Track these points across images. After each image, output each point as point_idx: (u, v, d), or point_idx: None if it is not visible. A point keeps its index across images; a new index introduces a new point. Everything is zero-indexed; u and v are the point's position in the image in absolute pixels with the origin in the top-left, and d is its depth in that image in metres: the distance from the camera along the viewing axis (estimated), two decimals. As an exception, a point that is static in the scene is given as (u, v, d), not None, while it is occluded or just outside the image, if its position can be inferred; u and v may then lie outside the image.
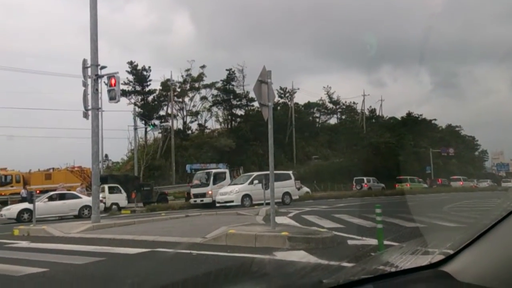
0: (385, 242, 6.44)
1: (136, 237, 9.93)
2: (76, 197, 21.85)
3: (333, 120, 69.68)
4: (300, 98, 78.15)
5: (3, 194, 32.20)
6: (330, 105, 67.85)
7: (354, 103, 69.77)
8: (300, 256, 6.62)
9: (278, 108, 56.68)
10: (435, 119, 67.98)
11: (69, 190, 24.84)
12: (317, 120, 68.21)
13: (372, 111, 72.60)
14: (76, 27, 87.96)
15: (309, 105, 65.67)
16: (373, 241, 7.36)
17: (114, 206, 24.98)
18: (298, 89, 62.27)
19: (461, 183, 48.11)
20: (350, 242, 8.11)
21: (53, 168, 37.39)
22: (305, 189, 35.03)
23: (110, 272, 6.24)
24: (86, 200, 20.73)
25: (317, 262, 5.93)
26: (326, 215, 14.35)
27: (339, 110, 69.31)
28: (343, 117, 69.93)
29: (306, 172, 45.48)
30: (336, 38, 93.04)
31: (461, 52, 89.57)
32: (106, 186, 25.61)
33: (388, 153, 46.81)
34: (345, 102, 68.85)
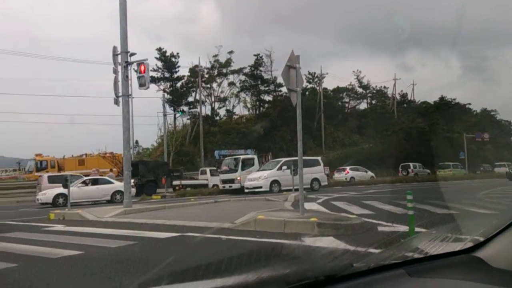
0: (416, 229, 6.34)
1: (166, 222, 10.12)
2: (109, 182, 22.41)
3: (363, 105, 68.51)
4: (329, 83, 77.32)
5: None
6: (360, 90, 66.68)
7: (385, 87, 68.41)
8: (329, 242, 6.59)
9: (307, 93, 56.11)
10: (469, 104, 65.84)
11: (102, 175, 25.50)
12: (347, 105, 67.20)
13: (404, 95, 70.93)
14: (107, 15, 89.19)
15: (338, 90, 64.72)
16: (404, 228, 7.27)
17: (214, 187, 27.59)
18: (327, 73, 61.51)
19: (505, 169, 47.53)
20: (380, 228, 8.02)
21: (85, 154, 38.45)
22: (370, 173, 34.97)
23: (142, 256, 6.39)
24: (118, 185, 21.24)
25: (346, 248, 5.88)
26: (355, 201, 14.22)
27: (369, 95, 68.05)
28: (373, 102, 68.65)
29: (335, 158, 45.09)
30: (363, 22, 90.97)
31: (492, 35, 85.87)
32: (207, 169, 30.11)
33: (420, 139, 45.72)
34: (376, 86, 67.57)
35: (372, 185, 28.77)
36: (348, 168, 34.56)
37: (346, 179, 32.65)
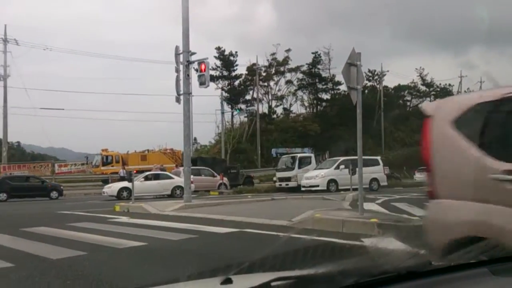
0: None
1: (225, 217, 10.29)
2: (169, 177, 23.17)
3: (425, 104, 65.93)
4: (390, 81, 74.82)
5: (104, 173, 35.16)
6: (423, 88, 64.12)
7: (449, 85, 65.27)
8: (390, 244, 6.38)
9: (366, 91, 54.78)
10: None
11: (164, 171, 26.32)
12: (408, 103, 64.91)
13: (470, 93, 67.37)
14: (167, 18, 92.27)
15: (399, 88, 62.65)
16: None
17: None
18: (388, 71, 59.59)
19: None
20: (444, 232, 7.66)
21: (147, 150, 40.01)
22: None
23: (204, 249, 6.55)
24: (178, 180, 21.90)
25: (409, 250, 5.69)
26: (417, 202, 13.64)
27: (433, 93, 65.24)
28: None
29: (395, 158, 43.72)
30: (423, 19, 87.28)
31: None
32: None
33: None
34: (440, 84, 64.70)
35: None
36: None
37: None
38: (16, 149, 64.40)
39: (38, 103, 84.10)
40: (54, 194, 24.33)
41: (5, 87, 38.68)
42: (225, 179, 27.07)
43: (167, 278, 4.56)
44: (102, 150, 37.63)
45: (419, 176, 33.45)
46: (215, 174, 26.46)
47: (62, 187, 25.70)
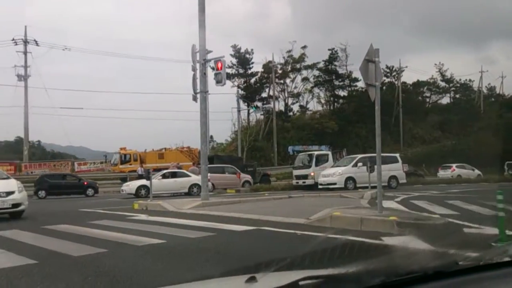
0: (508, 232, 5.88)
1: (242, 215, 10.31)
2: (186, 175, 23.31)
3: (445, 100, 64.87)
4: (408, 77, 74.03)
5: (123, 171, 35.58)
6: (442, 84, 63.11)
7: (470, 80, 64.15)
8: (411, 242, 6.31)
9: (384, 88, 54.23)
10: None
11: (181, 169, 26.51)
12: (427, 100, 63.97)
13: (491, 89, 66.10)
14: (184, 17, 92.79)
15: (418, 84, 61.78)
16: (493, 230, 6.76)
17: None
18: (406, 67, 58.81)
19: None
20: (466, 230, 7.55)
21: (165, 148, 40.36)
22: (477, 171, 33.76)
23: (222, 247, 6.57)
24: (195, 178, 22.04)
25: (434, 250, 5.61)
26: (437, 200, 13.51)
27: (453, 88, 64.18)
28: (457, 96, 64.66)
29: (414, 155, 43.15)
30: (441, 13, 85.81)
31: None
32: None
33: (510, 135, 42.30)
34: (459, 79, 63.61)
35: (456, 184, 27.12)
36: (454, 165, 33.47)
37: (452, 176, 31.81)
38: (36, 148, 65.67)
39: (57, 103, 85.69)
40: (90, 191, 25.06)
41: (25, 87, 39.39)
42: (249, 177, 27.19)
43: (186, 275, 4.60)
44: (121, 149, 38.08)
45: (443, 173, 33.08)
46: (239, 172, 26.63)
47: (97, 185, 26.35)
